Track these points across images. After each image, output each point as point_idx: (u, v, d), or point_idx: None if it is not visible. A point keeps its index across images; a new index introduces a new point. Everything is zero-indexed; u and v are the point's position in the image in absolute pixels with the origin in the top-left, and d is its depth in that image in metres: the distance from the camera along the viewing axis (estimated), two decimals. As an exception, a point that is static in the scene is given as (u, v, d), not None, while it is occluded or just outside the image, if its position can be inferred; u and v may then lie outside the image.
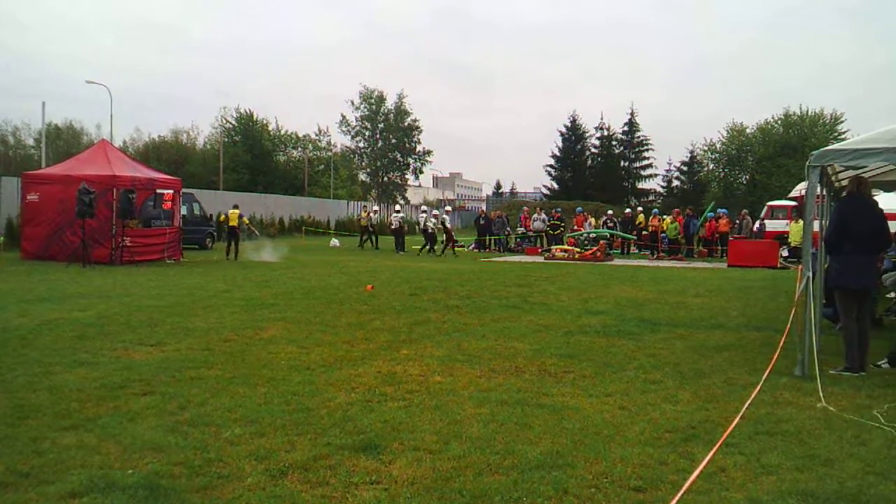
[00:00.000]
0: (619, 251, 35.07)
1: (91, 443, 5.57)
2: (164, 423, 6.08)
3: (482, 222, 38.27)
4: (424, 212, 35.84)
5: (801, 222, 29.88)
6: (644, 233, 34.47)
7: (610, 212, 37.84)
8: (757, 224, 32.96)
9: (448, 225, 33.45)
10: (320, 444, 5.62)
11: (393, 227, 34.70)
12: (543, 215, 37.10)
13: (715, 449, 5.61)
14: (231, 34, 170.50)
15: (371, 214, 37.18)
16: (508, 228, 37.70)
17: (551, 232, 35.70)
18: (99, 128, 79.88)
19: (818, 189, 9.47)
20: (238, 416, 6.32)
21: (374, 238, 36.25)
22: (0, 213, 28.93)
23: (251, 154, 67.87)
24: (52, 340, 9.62)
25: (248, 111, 71.98)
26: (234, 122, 71.66)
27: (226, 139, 68.89)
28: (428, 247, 32.69)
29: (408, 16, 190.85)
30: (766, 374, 8.28)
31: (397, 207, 36.84)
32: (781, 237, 30.31)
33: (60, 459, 5.19)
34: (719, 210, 34.85)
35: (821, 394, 7.29)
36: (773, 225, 32.43)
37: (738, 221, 33.27)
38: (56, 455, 5.27)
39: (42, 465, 5.09)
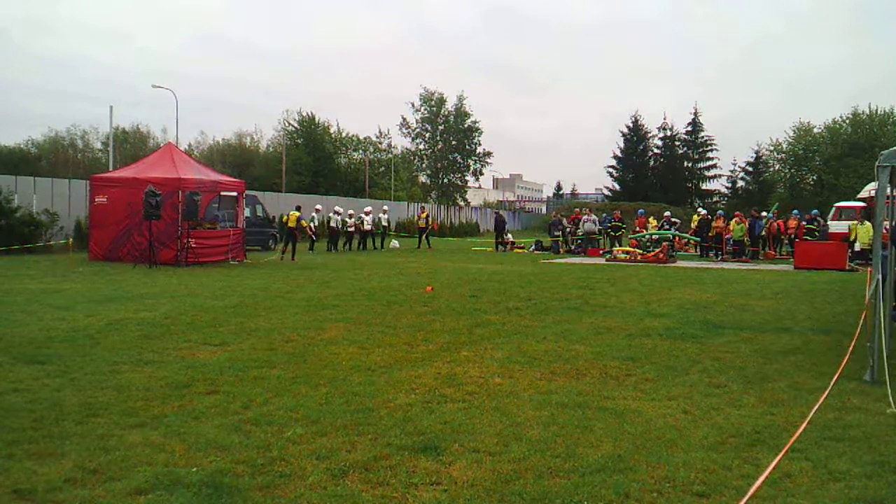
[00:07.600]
0: (698, 254, 34.34)
1: (156, 440, 5.68)
2: (227, 422, 6.17)
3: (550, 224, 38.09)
4: (338, 213, 35.41)
5: (867, 224, 29.05)
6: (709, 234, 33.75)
7: (667, 213, 37.09)
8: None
9: (367, 226, 35.36)
10: (380, 445, 5.65)
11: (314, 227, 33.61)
12: (594, 217, 36.50)
13: (781, 454, 5.49)
14: (292, 41, 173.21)
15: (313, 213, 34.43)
16: (558, 232, 37.01)
17: (612, 234, 35.32)
18: (165, 131, 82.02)
19: (888, 189, 9.22)
20: (300, 416, 6.39)
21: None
22: (69, 216, 29.66)
23: (313, 156, 68.51)
24: (119, 340, 9.84)
25: (310, 114, 72.70)
26: (296, 125, 72.36)
27: (288, 142, 69.68)
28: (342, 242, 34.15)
29: (459, 18, 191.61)
30: (834, 378, 8.06)
31: (318, 207, 36.15)
32: (848, 238, 29.48)
33: (127, 456, 5.30)
34: (793, 212, 34.11)
35: (891, 399, 7.11)
36: (841, 226, 31.58)
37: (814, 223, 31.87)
38: (123, 452, 5.38)
39: (109, 461, 5.20)
